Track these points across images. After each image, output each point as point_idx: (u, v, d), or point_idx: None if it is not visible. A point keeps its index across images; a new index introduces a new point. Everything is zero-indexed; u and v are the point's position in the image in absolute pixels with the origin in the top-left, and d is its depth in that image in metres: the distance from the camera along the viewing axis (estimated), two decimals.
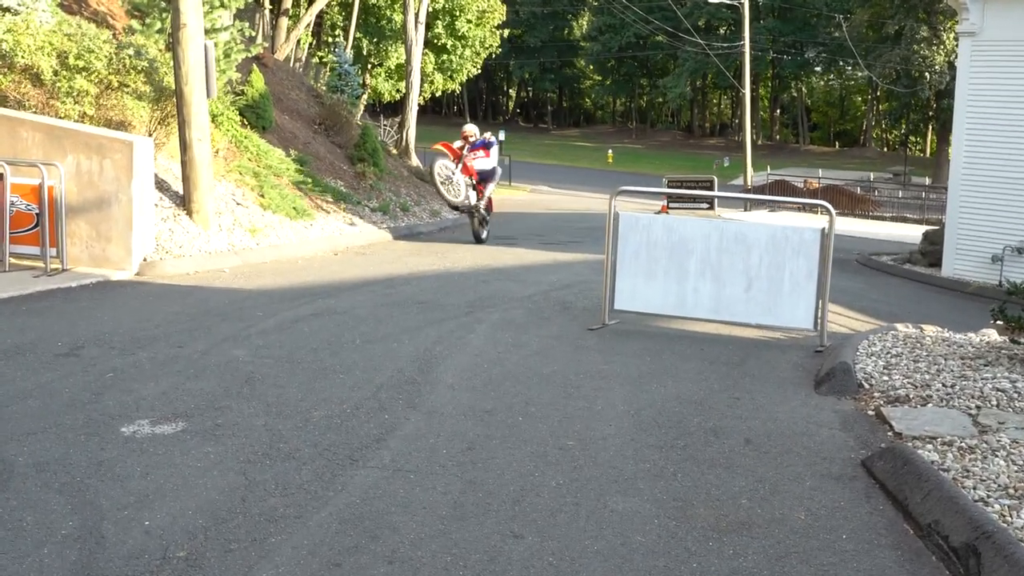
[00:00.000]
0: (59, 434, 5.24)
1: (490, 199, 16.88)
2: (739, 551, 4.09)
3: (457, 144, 16.08)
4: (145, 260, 11.31)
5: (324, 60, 36.32)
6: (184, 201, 13.01)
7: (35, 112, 12.10)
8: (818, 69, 78.99)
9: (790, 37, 70.61)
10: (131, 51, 13.40)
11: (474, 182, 16.07)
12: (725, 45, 51.91)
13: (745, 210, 33.65)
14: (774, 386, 7.01)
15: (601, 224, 11.92)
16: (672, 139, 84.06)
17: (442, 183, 15.44)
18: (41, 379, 6.36)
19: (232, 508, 4.33)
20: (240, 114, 17.65)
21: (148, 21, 14.81)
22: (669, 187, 28.40)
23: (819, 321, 8.55)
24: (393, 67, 39.29)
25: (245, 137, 16.94)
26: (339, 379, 6.67)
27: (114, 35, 14.60)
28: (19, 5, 13.14)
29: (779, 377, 7.33)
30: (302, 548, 3.95)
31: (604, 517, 4.40)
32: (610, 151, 63.84)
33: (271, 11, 33.40)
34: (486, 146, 16.31)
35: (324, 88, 27.66)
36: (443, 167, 15.51)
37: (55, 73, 12.48)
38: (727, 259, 8.73)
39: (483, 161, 16.28)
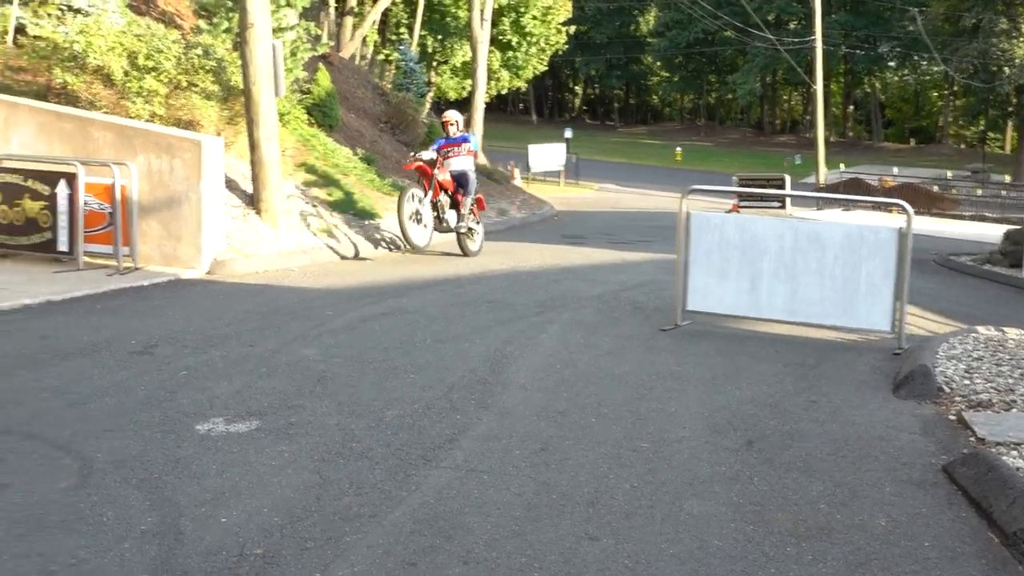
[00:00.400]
0: (136, 431, 5.32)
1: (479, 199, 14.70)
2: (818, 557, 4.01)
3: (426, 155, 13.82)
4: (215, 259, 11.45)
5: (389, 58, 36.63)
6: (253, 200, 13.16)
7: (106, 112, 12.36)
8: (892, 64, 77.45)
9: (863, 31, 69.35)
10: (199, 51, 13.61)
11: (451, 193, 14.02)
12: (795, 40, 51.10)
13: (817, 209, 33.16)
14: (851, 389, 6.87)
15: (669, 223, 11.83)
16: (742, 136, 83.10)
17: (409, 229, 13.30)
18: (117, 377, 6.46)
19: (307, 506, 4.35)
20: (307, 113, 17.86)
21: (215, 21, 15.03)
22: (740, 186, 28.07)
23: (897, 323, 8.34)
24: (458, 65, 39.48)
25: (312, 136, 17.12)
26: (410, 379, 6.67)
27: (182, 35, 14.86)
28: (90, 7, 13.43)
29: (856, 380, 7.18)
30: (377, 547, 3.95)
31: (680, 520, 4.34)
32: (678, 149, 63.33)
33: (336, 10, 33.76)
34: (467, 142, 14.27)
35: (390, 86, 27.92)
36: (411, 197, 13.37)
37: (125, 73, 12.73)
38: (801, 259, 8.55)
39: (461, 160, 14.13)
